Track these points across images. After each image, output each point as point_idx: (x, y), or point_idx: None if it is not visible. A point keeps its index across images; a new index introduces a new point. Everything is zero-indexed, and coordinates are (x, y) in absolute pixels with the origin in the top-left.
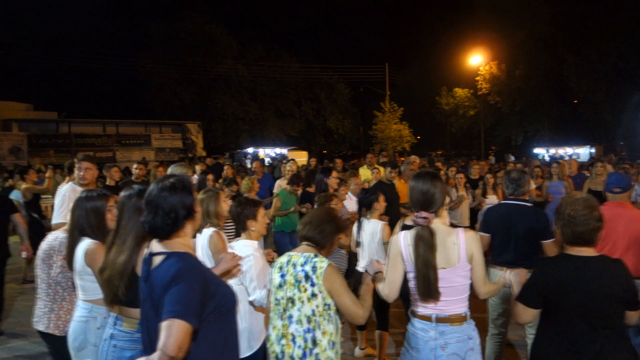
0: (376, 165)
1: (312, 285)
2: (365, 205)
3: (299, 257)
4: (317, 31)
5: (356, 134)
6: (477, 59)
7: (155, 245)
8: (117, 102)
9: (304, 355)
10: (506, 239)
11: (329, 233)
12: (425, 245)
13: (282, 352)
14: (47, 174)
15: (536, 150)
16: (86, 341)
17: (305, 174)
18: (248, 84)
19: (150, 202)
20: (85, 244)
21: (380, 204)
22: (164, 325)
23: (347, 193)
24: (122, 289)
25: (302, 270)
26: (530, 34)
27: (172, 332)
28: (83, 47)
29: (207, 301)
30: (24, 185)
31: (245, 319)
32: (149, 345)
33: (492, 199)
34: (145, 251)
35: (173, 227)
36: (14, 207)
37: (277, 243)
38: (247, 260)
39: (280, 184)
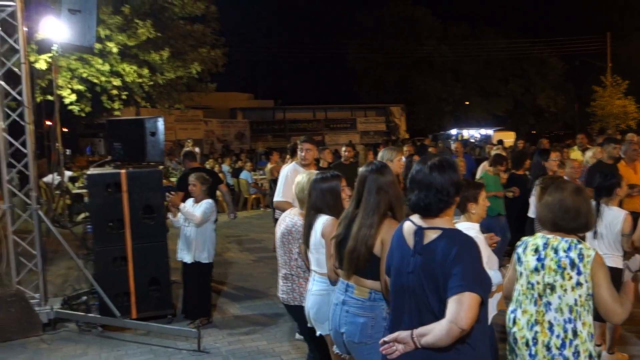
0: (587, 146)
1: (579, 273)
2: (605, 190)
3: (560, 241)
4: (525, 3)
5: (570, 111)
6: None
7: (420, 221)
8: (325, 88)
9: (563, 345)
10: None
11: (588, 215)
12: None
13: (535, 339)
14: (287, 156)
15: None
16: (328, 312)
17: (512, 156)
18: (451, 64)
19: (421, 181)
20: (323, 219)
21: (623, 190)
22: (454, 299)
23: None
24: (362, 260)
25: (567, 256)
26: None
27: (464, 305)
28: (295, 40)
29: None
30: (269, 165)
31: None
32: (413, 315)
33: None
34: (407, 225)
35: (445, 205)
36: (220, 180)
37: (486, 228)
38: None
39: (485, 166)
